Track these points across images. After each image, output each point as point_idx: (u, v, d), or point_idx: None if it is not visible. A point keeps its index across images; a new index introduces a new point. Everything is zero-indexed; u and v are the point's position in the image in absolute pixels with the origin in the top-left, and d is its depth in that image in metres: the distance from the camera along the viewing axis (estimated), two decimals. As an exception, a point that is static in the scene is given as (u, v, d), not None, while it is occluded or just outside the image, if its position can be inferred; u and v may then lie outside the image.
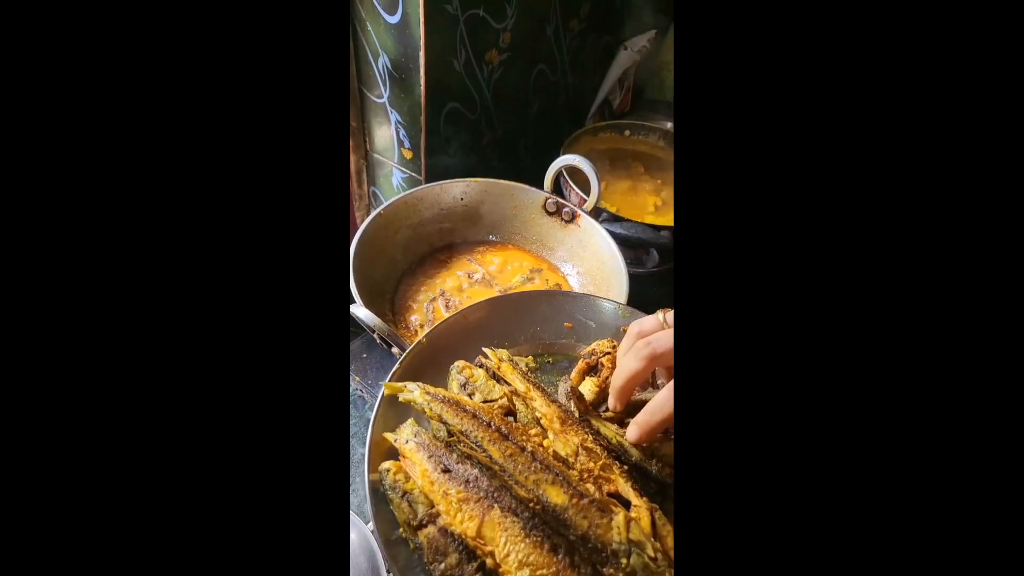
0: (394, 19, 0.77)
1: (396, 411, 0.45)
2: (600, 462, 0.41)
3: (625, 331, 0.45)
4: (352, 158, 0.97)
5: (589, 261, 0.75)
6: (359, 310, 0.54)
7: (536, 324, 0.55)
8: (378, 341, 0.56)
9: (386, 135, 0.92)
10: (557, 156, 0.77)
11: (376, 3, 0.77)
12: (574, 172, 0.80)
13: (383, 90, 0.86)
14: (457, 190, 0.78)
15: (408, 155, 0.91)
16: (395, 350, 0.55)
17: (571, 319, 0.55)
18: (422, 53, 0.77)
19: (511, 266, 0.79)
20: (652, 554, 0.35)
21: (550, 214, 0.79)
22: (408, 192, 0.75)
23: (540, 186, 0.80)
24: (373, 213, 0.70)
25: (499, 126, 0.98)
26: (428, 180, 0.89)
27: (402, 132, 0.89)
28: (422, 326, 0.69)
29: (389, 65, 0.82)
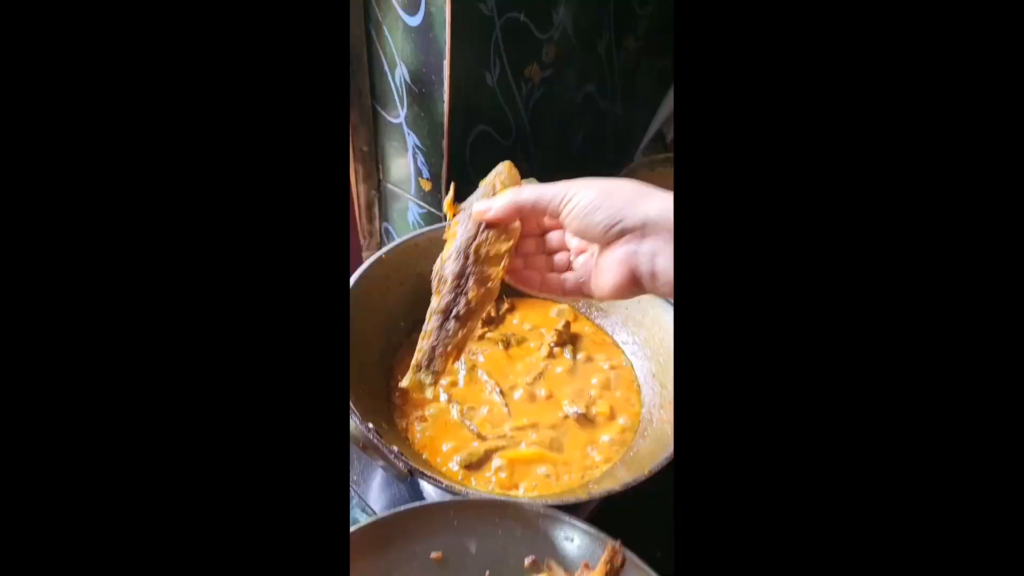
0: (415, 20, 0.63)
1: None
2: None
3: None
4: (362, 189, 0.83)
5: (650, 329, 0.58)
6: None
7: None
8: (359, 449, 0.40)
9: (402, 162, 0.77)
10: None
11: (395, 2, 0.63)
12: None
13: (400, 108, 0.72)
14: (482, 231, 0.61)
15: (427, 186, 0.76)
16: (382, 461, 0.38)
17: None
18: (447, 62, 0.63)
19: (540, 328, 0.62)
20: None
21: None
22: (418, 232, 0.59)
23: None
24: (371, 259, 0.54)
25: (537, 156, 0.82)
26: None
27: (420, 159, 0.74)
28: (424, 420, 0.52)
29: (408, 77, 0.68)
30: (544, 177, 0.79)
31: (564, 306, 0.64)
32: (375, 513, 0.59)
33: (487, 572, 0.37)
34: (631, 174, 0.83)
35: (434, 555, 0.37)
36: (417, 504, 0.38)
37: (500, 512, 0.38)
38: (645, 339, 0.58)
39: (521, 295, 0.64)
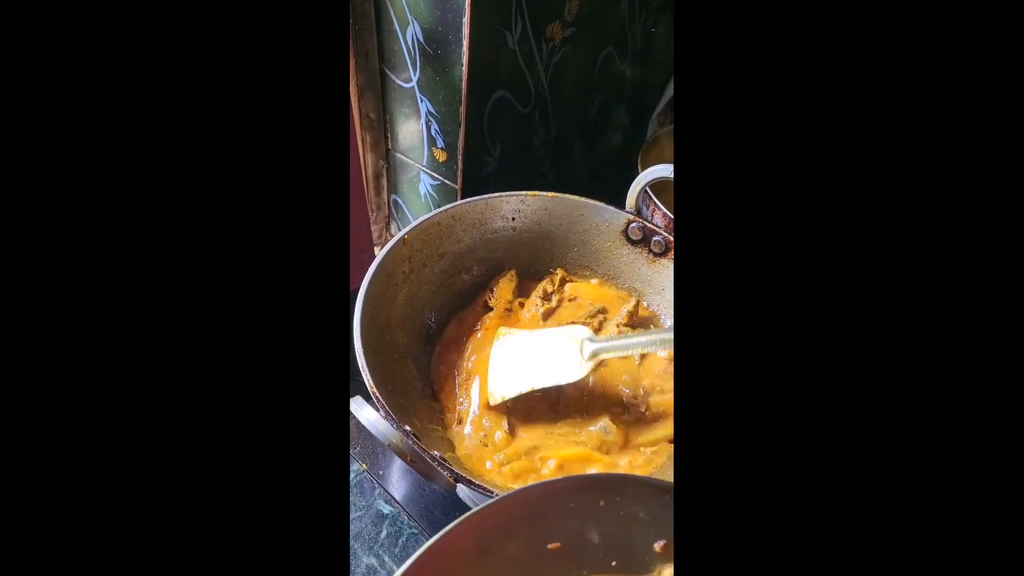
0: (431, -27, 0.57)
1: None
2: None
3: None
4: (369, 159, 0.77)
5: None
6: (361, 409, 0.34)
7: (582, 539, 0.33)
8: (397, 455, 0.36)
9: (414, 130, 0.72)
10: (618, 163, 0.57)
11: (407, -49, 0.57)
12: (661, 189, 0.59)
13: (412, 72, 0.66)
14: (508, 208, 0.57)
15: (441, 157, 0.70)
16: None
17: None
18: (467, 20, 0.57)
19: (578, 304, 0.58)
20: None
21: (633, 243, 0.58)
22: (441, 211, 0.54)
23: (614, 203, 0.59)
24: (392, 241, 0.49)
25: (555, 124, 0.77)
26: (465, 189, 0.69)
27: (434, 127, 0.68)
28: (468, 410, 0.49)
29: (421, 38, 0.62)
30: (560, 143, 0.74)
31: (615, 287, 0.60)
32: (398, 504, 0.56)
33: (613, 562, 0.32)
34: (652, 145, 0.78)
35: (551, 545, 0.31)
36: (524, 488, 0.32)
37: (619, 491, 0.32)
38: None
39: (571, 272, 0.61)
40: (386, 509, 0.57)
